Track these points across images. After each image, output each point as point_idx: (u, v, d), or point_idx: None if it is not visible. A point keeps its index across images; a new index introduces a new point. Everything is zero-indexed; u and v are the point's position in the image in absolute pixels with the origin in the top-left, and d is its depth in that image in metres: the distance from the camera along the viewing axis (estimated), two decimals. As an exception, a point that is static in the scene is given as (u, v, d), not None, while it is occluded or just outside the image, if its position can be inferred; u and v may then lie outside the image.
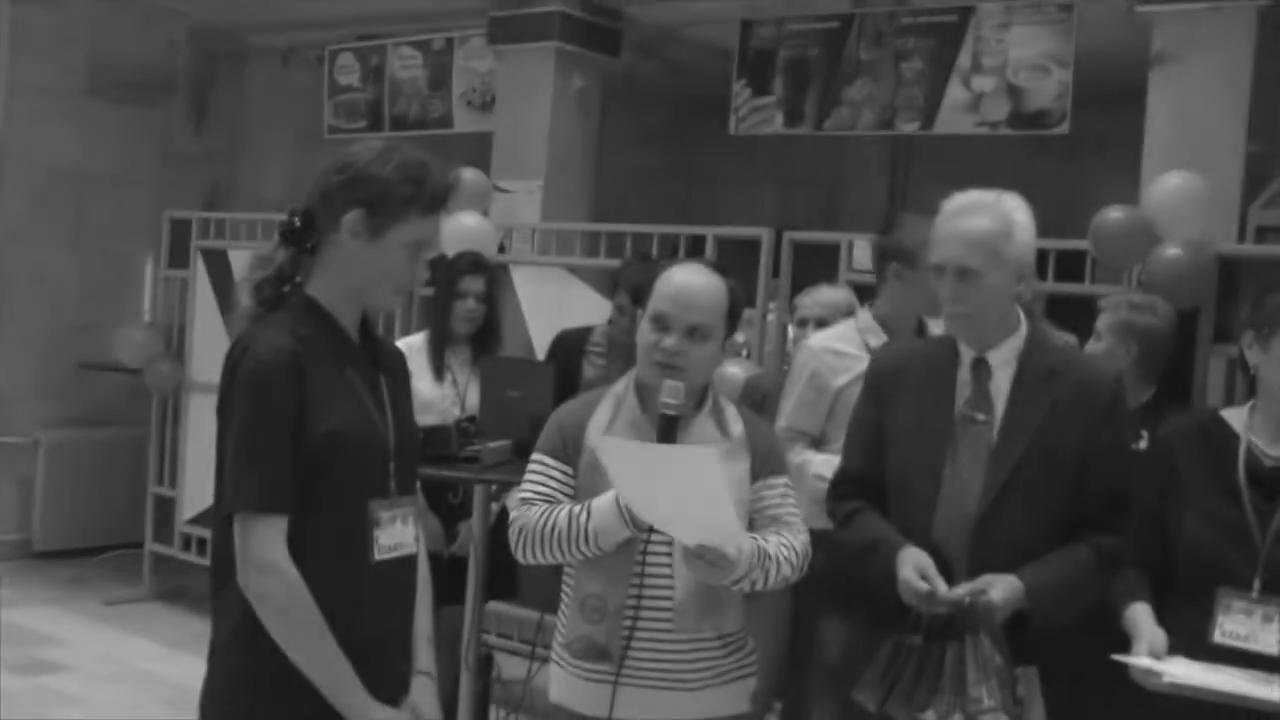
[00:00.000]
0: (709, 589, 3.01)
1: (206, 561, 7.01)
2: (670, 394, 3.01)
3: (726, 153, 10.16)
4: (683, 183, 10.97)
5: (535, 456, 3.18)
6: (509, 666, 5.32)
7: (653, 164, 10.91)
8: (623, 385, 3.21)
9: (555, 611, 5.19)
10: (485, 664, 5.06)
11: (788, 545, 3.08)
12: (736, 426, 3.16)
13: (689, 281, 3.10)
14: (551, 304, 6.34)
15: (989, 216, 3.07)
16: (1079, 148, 8.53)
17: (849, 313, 4.94)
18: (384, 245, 2.58)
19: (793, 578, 3.10)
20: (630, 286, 5.13)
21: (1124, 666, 2.97)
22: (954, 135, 6.81)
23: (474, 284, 5.16)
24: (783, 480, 3.19)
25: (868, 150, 9.73)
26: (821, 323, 4.89)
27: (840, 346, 4.03)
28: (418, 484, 2.83)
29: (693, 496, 2.83)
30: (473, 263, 5.23)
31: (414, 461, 2.80)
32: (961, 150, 8.14)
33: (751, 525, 3.10)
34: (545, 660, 5.08)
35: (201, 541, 7.77)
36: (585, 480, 3.10)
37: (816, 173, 10.35)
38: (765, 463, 3.17)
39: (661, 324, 3.08)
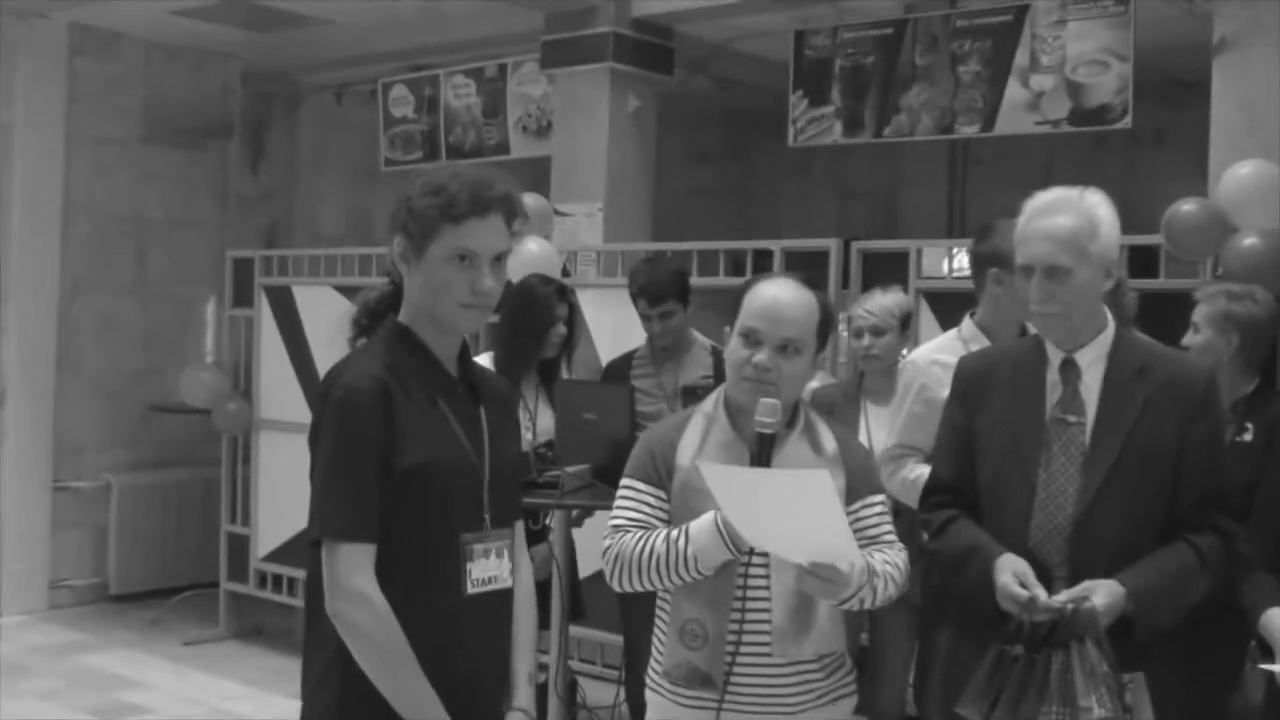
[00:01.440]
0: (808, 611, 2.95)
1: (283, 598, 6.97)
2: (766, 413, 2.93)
3: (782, 166, 10.14)
4: (739, 198, 10.93)
5: (626, 481, 3.11)
6: (592, 692, 5.29)
7: (709, 181, 10.89)
8: (711, 404, 3.13)
9: (619, 632, 5.19)
10: (570, 691, 5.02)
11: (892, 563, 3.02)
12: (830, 444, 3.08)
13: (779, 296, 3.02)
14: (619, 325, 6.31)
15: (1073, 213, 3.02)
16: (1138, 142, 8.45)
17: (904, 317, 4.89)
18: (427, 263, 2.58)
19: (895, 596, 3.04)
20: (640, 287, 5.23)
21: (1226, 668, 2.92)
22: (1011, 136, 6.74)
23: (562, 311, 5.16)
24: (880, 499, 3.12)
25: (924, 156, 9.67)
26: (876, 330, 4.82)
27: (945, 358, 3.90)
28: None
29: (806, 518, 2.77)
30: (560, 289, 5.22)
31: (511, 494, 2.76)
32: (1019, 151, 8.08)
33: None
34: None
35: (277, 578, 7.80)
36: (679, 503, 3.02)
37: (874, 182, 10.30)
38: (864, 480, 3.10)
39: (752, 340, 3.00)
